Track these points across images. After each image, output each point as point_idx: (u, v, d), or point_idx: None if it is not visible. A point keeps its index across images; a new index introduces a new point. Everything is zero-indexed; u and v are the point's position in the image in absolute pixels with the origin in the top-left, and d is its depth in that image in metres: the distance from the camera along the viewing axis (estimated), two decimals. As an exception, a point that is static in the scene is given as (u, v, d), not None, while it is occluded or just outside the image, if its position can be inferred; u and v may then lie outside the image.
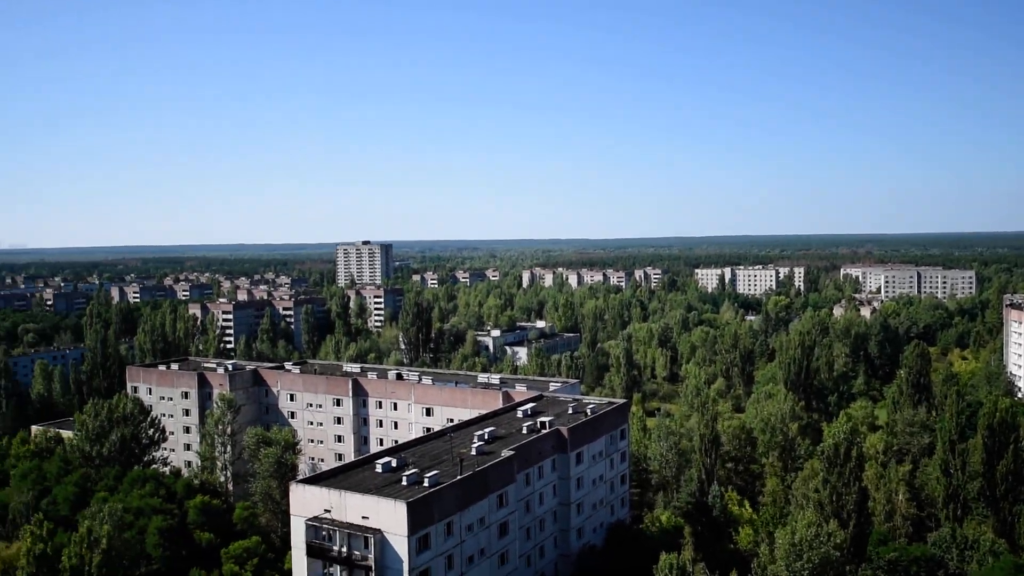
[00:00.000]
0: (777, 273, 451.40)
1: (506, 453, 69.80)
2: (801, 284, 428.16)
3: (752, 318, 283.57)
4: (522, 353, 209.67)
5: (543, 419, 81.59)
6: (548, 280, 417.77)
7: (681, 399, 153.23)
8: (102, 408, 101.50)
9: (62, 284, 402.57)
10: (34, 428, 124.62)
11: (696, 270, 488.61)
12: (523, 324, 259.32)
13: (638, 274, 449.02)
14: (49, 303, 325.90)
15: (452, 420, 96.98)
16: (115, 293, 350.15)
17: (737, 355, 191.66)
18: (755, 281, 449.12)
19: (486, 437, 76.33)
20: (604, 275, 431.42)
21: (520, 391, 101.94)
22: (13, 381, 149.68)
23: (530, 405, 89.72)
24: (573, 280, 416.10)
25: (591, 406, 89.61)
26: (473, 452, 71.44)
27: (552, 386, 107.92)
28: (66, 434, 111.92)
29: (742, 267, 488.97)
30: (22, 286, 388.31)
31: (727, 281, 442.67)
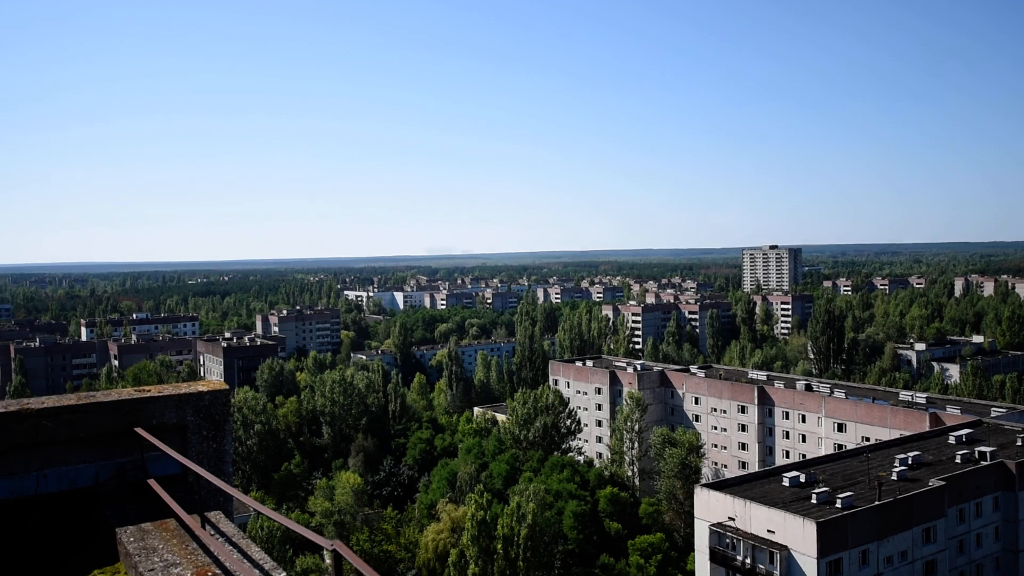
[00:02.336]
0: None
1: (935, 483, 61.66)
2: None
3: None
4: (953, 371, 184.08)
5: (983, 448, 70.46)
6: (988, 289, 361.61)
7: None
8: (529, 397, 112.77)
9: (499, 285, 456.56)
10: (476, 409, 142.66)
11: None
12: (954, 338, 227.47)
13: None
14: (489, 301, 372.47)
15: (868, 439, 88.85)
16: (540, 294, 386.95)
17: None
18: None
19: (910, 462, 68.34)
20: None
21: (952, 414, 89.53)
22: (461, 367, 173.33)
23: (965, 431, 78.17)
24: (1022, 290, 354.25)
25: (1047, 439, 75.07)
26: (894, 477, 64.44)
27: (994, 411, 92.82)
28: (500, 417, 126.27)
29: None
30: (469, 287, 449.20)
31: None
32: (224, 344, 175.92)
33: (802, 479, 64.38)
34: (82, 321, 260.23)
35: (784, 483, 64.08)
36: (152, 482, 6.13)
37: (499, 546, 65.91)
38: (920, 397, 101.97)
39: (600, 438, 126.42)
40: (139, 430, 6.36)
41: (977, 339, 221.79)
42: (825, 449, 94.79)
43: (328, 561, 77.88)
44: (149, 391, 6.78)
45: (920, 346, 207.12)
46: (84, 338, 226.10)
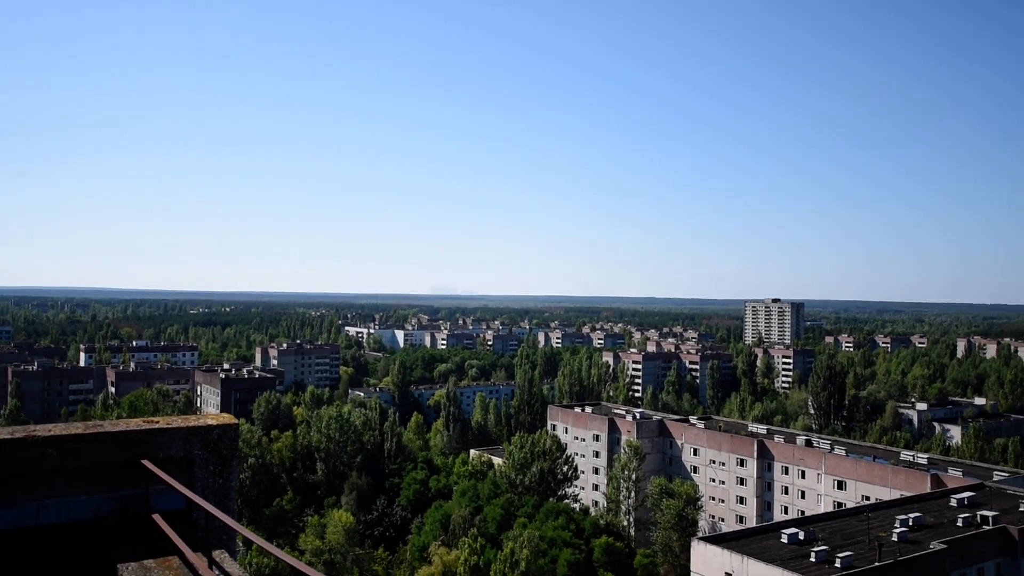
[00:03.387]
0: None
1: (936, 546, 60.69)
2: None
3: None
4: (955, 432, 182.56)
5: (984, 513, 69.53)
6: (990, 351, 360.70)
7: None
8: (526, 441, 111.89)
9: (500, 327, 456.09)
10: (472, 451, 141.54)
11: None
12: (956, 399, 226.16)
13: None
14: (489, 343, 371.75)
15: (868, 498, 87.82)
16: (541, 337, 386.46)
17: None
18: None
19: (911, 523, 67.41)
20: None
21: (953, 476, 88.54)
22: (459, 408, 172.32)
23: (967, 494, 77.21)
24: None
25: (1050, 506, 74.11)
26: (894, 538, 63.53)
27: (996, 475, 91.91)
28: (496, 460, 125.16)
29: None
30: (470, 327, 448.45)
31: None
32: (222, 375, 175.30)
33: (801, 536, 63.47)
34: (81, 346, 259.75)
35: (783, 539, 63.17)
36: (157, 517, 5.92)
37: (491, 593, 64.78)
38: (921, 457, 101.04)
39: (597, 486, 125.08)
40: (146, 462, 6.19)
41: (979, 401, 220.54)
42: (824, 507, 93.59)
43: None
44: (158, 422, 6.60)
45: (922, 406, 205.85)
46: (83, 363, 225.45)
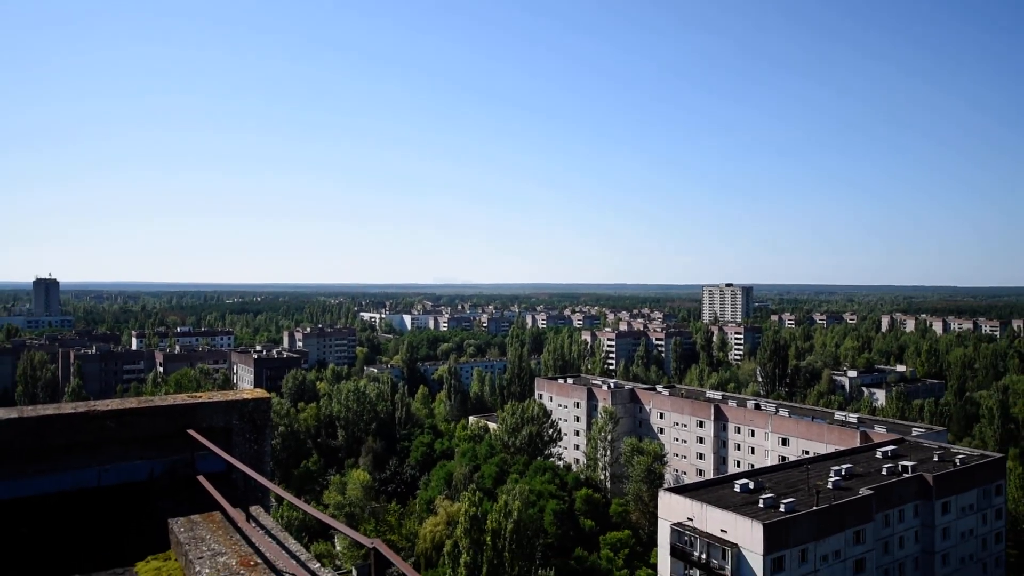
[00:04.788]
0: None
1: (864, 492, 61.42)
2: None
3: None
4: (880, 395, 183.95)
5: (905, 463, 70.33)
6: (910, 326, 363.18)
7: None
8: (517, 409, 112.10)
9: (494, 311, 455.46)
10: (471, 418, 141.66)
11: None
12: (881, 367, 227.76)
13: (1016, 324, 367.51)
14: (484, 325, 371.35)
15: (807, 452, 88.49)
16: (529, 319, 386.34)
17: None
18: None
19: (843, 473, 68.07)
20: (975, 323, 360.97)
21: (879, 432, 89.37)
22: (459, 381, 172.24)
23: (890, 447, 78.05)
24: (938, 327, 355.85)
25: (960, 456, 74.98)
26: (830, 486, 64.17)
27: (914, 431, 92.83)
28: (491, 425, 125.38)
29: None
30: (468, 312, 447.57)
31: None
32: (255, 356, 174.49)
33: (751, 486, 63.99)
34: (133, 333, 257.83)
35: (736, 489, 63.67)
36: (201, 478, 6.06)
37: (488, 539, 65.06)
38: (852, 417, 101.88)
39: (578, 446, 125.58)
40: (191, 431, 6.30)
41: (900, 368, 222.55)
42: (771, 460, 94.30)
43: (352, 553, 76.65)
44: (200, 397, 6.67)
45: (852, 373, 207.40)
46: (134, 347, 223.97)
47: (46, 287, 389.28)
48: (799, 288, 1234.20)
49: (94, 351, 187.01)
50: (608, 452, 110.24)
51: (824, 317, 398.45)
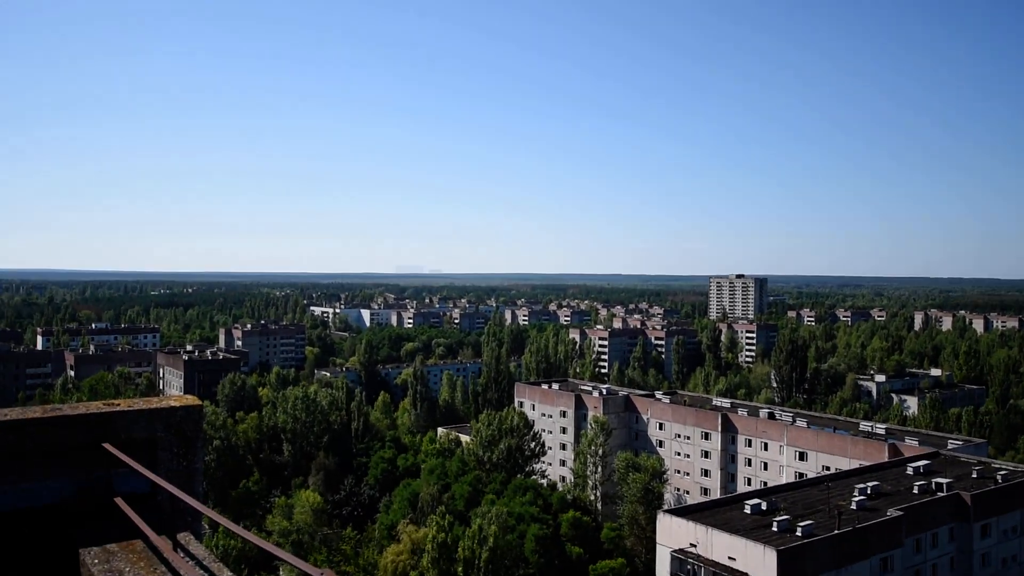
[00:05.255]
0: None
1: (892, 513, 62.41)
2: None
3: None
4: (911, 403, 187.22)
5: (939, 480, 71.54)
6: (946, 324, 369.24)
7: None
8: (494, 418, 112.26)
9: (467, 305, 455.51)
10: (440, 430, 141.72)
11: None
12: (913, 371, 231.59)
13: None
14: (456, 321, 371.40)
15: (828, 468, 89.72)
16: (508, 315, 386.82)
17: None
18: None
19: (868, 492, 69.09)
20: (1021, 321, 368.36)
21: (910, 445, 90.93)
22: (426, 387, 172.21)
23: (923, 463, 79.35)
24: (979, 325, 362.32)
25: (1003, 472, 76.46)
26: (853, 506, 65.07)
27: (950, 444, 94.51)
28: (464, 438, 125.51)
29: None
30: (437, 306, 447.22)
31: None
32: (185, 357, 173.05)
33: (763, 507, 64.70)
34: (38, 329, 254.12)
35: (746, 510, 64.35)
36: (119, 500, 5.82)
37: (460, 569, 65.27)
38: (879, 428, 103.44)
39: (564, 461, 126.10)
40: (107, 445, 6.07)
41: (935, 372, 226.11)
42: (786, 477, 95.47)
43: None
44: (118, 404, 6.46)
45: (880, 378, 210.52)
46: (40, 347, 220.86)
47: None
48: (820, 280, 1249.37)
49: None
50: (599, 468, 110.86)
51: (848, 314, 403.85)
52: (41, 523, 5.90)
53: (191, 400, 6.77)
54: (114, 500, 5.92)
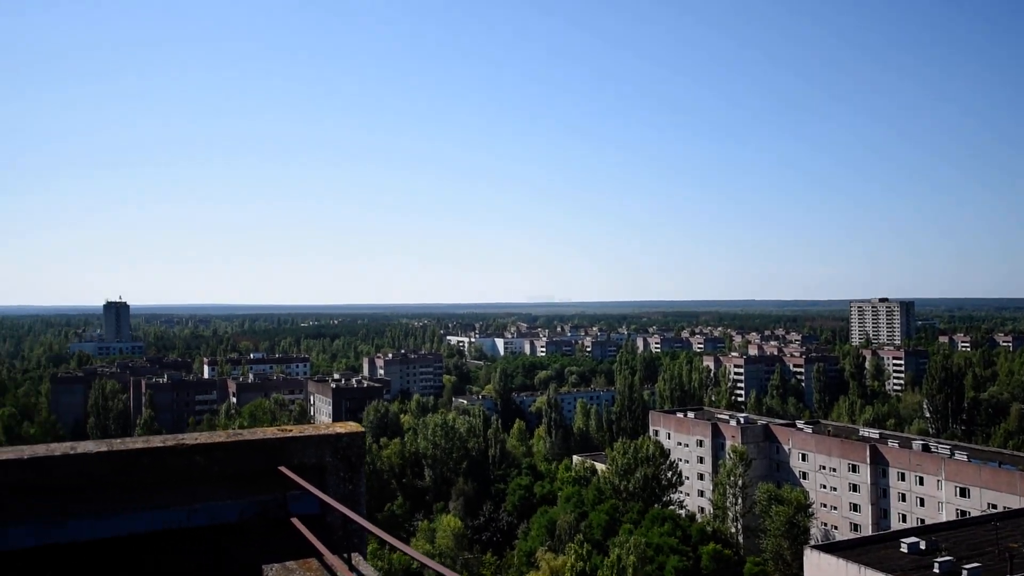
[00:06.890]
0: None
1: (1074, 557, 56.32)
2: None
3: None
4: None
5: None
6: None
7: None
8: (629, 447, 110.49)
9: (598, 333, 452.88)
10: (575, 457, 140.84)
11: None
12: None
13: None
14: (588, 349, 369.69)
15: (995, 506, 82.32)
16: (639, 343, 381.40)
17: None
18: None
19: (1044, 533, 62.74)
20: None
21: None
22: (560, 415, 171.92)
23: (1107, 502, 71.40)
24: None
25: None
26: (1026, 549, 59.23)
27: None
28: (599, 466, 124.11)
29: None
30: (568, 334, 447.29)
31: None
32: (333, 385, 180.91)
33: (922, 546, 60.11)
34: (205, 360, 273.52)
35: (902, 549, 60.00)
36: (295, 520, 6.08)
37: (599, 599, 64.18)
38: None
39: (702, 492, 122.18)
40: (283, 469, 6.34)
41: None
42: (946, 515, 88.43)
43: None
44: (291, 431, 6.73)
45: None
46: (206, 375, 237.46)
47: (116, 311, 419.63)
48: (974, 303, 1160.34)
49: (165, 380, 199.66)
50: (739, 500, 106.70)
51: (1010, 338, 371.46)
52: (226, 539, 6.20)
53: (354, 427, 6.96)
54: (290, 520, 6.16)
